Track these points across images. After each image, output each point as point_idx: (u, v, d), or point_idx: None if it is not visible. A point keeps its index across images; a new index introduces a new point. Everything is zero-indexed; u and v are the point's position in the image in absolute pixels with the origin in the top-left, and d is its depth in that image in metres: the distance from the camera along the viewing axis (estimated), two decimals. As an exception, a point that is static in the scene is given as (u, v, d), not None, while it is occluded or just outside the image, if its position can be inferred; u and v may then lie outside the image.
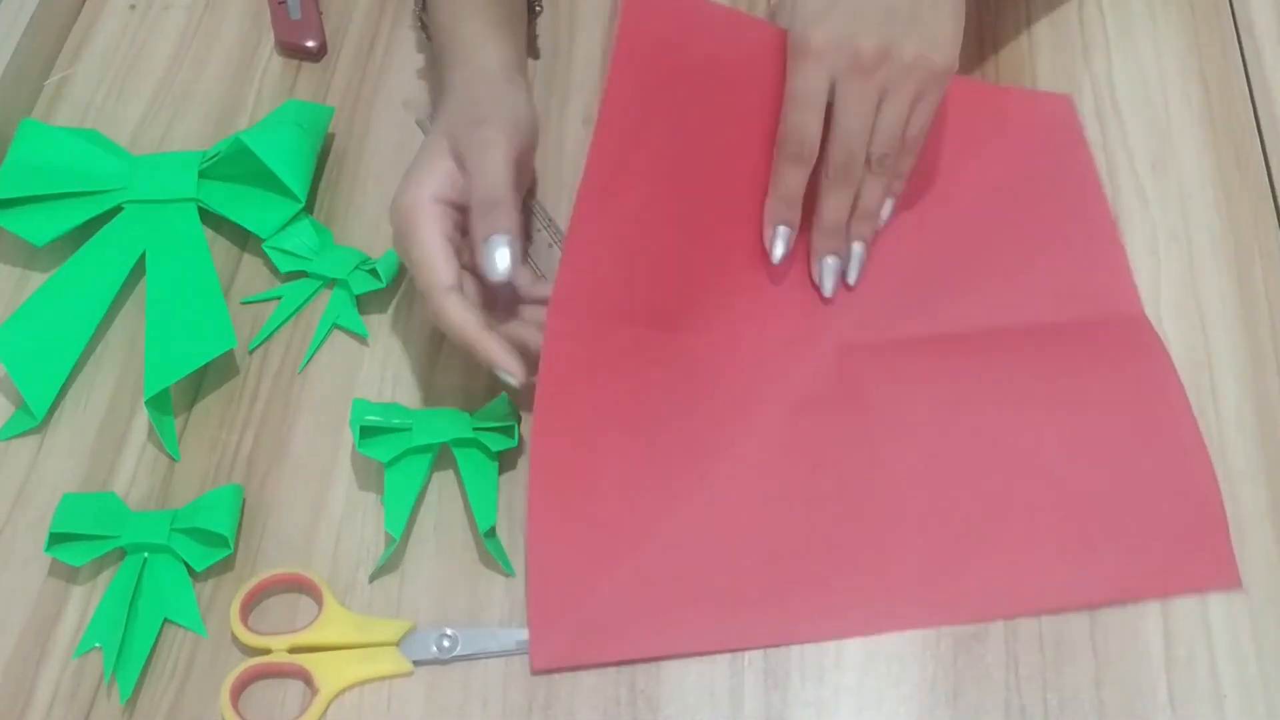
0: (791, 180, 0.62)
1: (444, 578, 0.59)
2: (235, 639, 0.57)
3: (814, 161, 0.61)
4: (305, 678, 0.56)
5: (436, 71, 0.68)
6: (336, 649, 0.56)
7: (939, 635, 0.56)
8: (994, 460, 0.59)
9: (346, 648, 0.56)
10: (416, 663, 0.56)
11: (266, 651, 0.56)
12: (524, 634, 0.56)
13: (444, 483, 0.61)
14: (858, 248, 0.64)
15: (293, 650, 0.56)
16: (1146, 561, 0.56)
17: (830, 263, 0.64)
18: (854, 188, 0.62)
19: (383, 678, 0.56)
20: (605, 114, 0.58)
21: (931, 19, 0.60)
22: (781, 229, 0.63)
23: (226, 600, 0.58)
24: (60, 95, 0.76)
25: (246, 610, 0.57)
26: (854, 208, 0.63)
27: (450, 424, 0.60)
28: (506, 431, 0.60)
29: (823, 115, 0.60)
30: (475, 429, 0.59)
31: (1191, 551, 0.56)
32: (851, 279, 0.64)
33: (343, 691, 0.56)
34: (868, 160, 0.61)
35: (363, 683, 0.56)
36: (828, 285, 0.64)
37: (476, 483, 0.59)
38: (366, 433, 0.59)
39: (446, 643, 0.56)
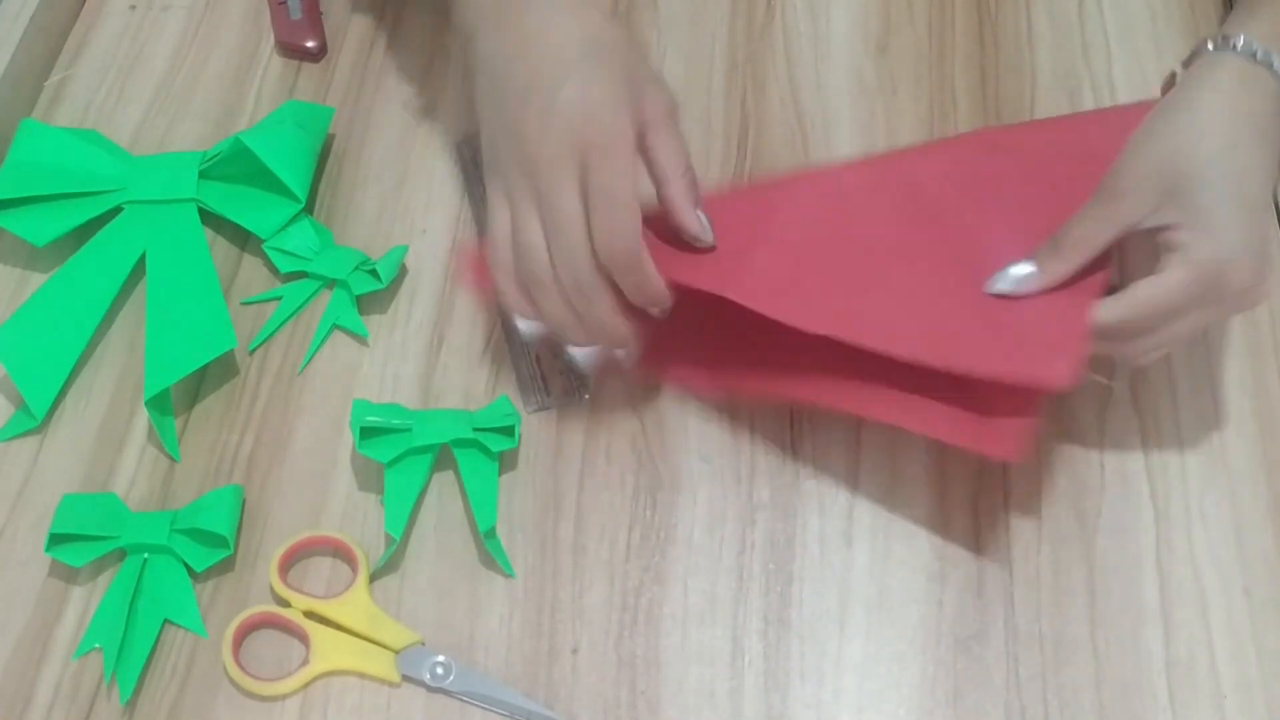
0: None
1: (444, 578, 0.59)
2: (270, 588, 0.58)
3: None
4: (305, 643, 0.57)
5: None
6: (343, 631, 0.57)
7: (939, 636, 0.56)
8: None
9: (352, 634, 0.57)
10: (405, 678, 0.56)
11: (286, 604, 0.57)
12: (521, 697, 0.55)
13: (444, 483, 0.61)
14: None
15: (307, 613, 0.57)
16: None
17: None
18: None
19: (369, 678, 0.56)
20: None
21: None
22: None
23: (227, 601, 0.58)
24: (60, 95, 0.76)
25: (285, 566, 0.58)
26: None
27: (450, 424, 0.60)
28: (506, 431, 0.60)
29: None
30: (475, 429, 0.59)
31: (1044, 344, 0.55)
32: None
33: (330, 674, 0.56)
34: None
35: (349, 674, 0.56)
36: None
37: (476, 483, 0.59)
38: (366, 433, 0.59)
39: (440, 670, 0.56)
